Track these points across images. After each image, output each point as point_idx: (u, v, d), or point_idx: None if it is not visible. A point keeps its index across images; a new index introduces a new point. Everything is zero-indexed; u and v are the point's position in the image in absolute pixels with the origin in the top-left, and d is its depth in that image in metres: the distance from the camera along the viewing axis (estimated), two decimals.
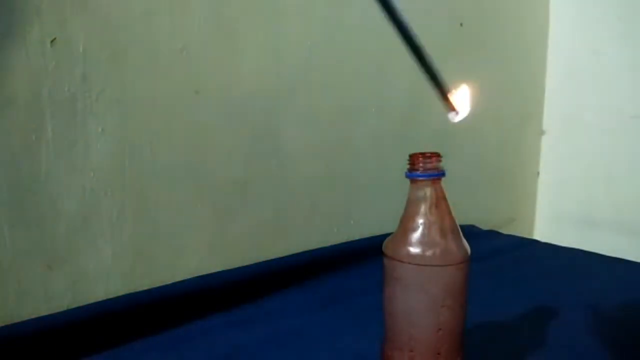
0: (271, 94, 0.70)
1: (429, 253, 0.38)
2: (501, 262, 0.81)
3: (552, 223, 1.27)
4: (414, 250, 0.38)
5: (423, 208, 0.39)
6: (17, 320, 0.50)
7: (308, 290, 0.68)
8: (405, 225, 0.39)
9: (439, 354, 0.39)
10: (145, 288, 0.60)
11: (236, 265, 0.68)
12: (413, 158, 0.40)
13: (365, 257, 0.75)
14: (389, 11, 0.33)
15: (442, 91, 0.37)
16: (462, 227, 0.40)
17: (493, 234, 1.00)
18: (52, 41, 0.51)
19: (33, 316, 0.51)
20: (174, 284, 0.62)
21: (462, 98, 0.38)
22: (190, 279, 0.63)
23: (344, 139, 0.81)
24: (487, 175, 1.13)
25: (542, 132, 1.26)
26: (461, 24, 0.99)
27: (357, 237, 0.84)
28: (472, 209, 1.08)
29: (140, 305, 0.56)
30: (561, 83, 1.22)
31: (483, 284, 0.55)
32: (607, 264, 0.79)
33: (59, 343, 0.49)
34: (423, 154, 0.39)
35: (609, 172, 1.13)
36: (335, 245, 0.81)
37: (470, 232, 0.96)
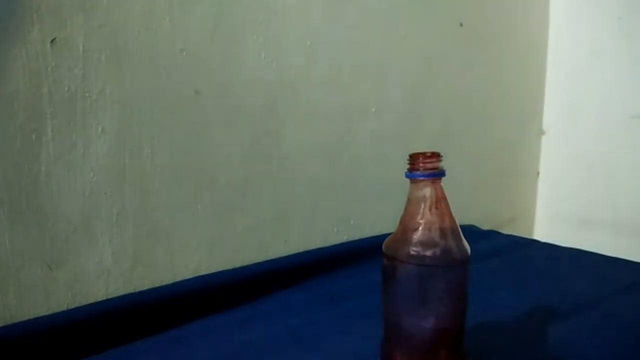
0: (271, 94, 0.70)
1: (429, 253, 0.38)
2: (501, 262, 0.81)
3: (552, 223, 1.27)
4: (414, 250, 0.38)
5: (423, 208, 0.39)
6: (17, 320, 0.50)
7: (308, 290, 0.68)
8: (405, 225, 0.39)
9: (439, 354, 0.39)
10: (145, 288, 0.60)
11: (236, 265, 0.68)
12: (413, 158, 0.40)
13: (365, 257, 0.75)
14: None
15: None
16: (462, 227, 0.40)
17: (493, 234, 1.00)
18: (52, 41, 0.51)
19: (33, 316, 0.52)
20: (174, 284, 0.62)
21: None
22: (190, 279, 0.64)
23: (344, 139, 0.81)
24: (487, 175, 1.13)
25: (542, 132, 1.26)
26: (461, 24, 0.99)
27: (357, 237, 0.84)
28: (472, 209, 1.08)
29: (140, 305, 0.56)
30: (561, 83, 1.22)
31: (483, 284, 0.55)
32: (607, 264, 0.79)
33: (59, 343, 0.49)
34: (423, 154, 0.39)
35: (609, 172, 1.12)
36: (335, 245, 0.81)
37: (470, 232, 0.96)
